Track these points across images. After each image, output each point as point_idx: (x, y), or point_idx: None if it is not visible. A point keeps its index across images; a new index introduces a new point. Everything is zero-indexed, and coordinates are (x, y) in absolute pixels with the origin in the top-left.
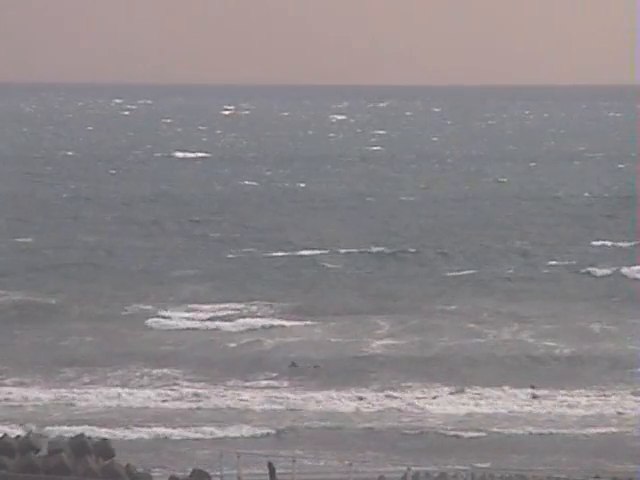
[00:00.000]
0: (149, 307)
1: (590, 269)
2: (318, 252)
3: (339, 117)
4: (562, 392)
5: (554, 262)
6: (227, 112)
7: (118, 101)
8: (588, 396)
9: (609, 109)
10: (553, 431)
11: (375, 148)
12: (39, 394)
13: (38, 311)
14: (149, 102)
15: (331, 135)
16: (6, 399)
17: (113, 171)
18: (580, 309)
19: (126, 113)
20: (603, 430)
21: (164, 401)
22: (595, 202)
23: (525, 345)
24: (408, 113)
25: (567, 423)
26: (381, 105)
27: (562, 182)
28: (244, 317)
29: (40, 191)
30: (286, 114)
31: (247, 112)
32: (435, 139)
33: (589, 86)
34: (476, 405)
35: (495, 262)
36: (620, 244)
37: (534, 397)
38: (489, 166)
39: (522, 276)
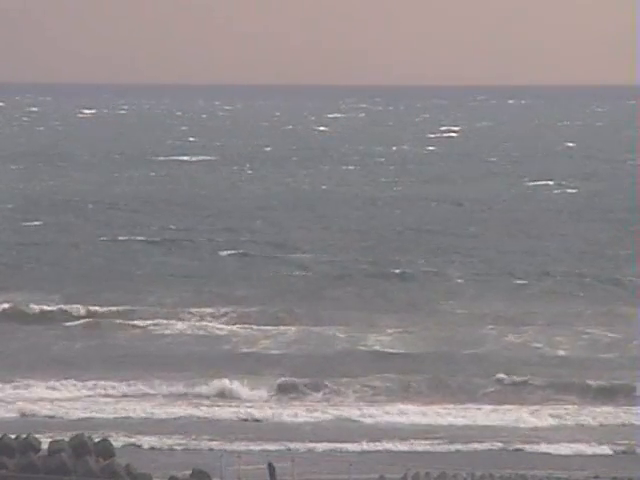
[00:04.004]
0: (128, 309)
1: (594, 273)
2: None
3: (332, 116)
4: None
5: (558, 264)
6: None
7: (86, 110)
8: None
9: (608, 109)
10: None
11: (375, 148)
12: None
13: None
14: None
15: (321, 135)
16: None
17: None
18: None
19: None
20: None
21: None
22: (597, 204)
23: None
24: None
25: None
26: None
27: (562, 183)
28: (229, 320)
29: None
30: (278, 114)
31: (224, 113)
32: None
33: (589, 86)
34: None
35: (499, 263)
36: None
37: None
38: (488, 166)
39: (527, 277)
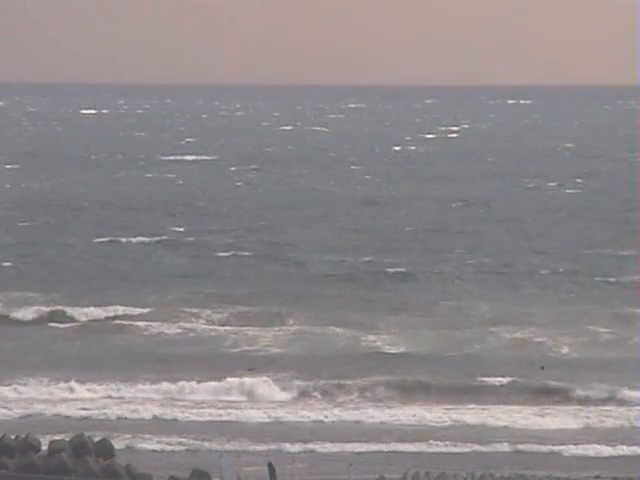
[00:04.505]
0: (127, 310)
1: (596, 275)
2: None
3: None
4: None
5: (557, 264)
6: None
7: (85, 111)
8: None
9: (608, 109)
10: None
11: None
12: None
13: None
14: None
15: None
16: None
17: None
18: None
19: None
20: None
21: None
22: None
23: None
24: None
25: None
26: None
27: (562, 182)
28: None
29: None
30: (277, 114)
31: (240, 113)
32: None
33: (589, 86)
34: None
35: (502, 262)
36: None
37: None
38: (487, 166)
39: (527, 277)
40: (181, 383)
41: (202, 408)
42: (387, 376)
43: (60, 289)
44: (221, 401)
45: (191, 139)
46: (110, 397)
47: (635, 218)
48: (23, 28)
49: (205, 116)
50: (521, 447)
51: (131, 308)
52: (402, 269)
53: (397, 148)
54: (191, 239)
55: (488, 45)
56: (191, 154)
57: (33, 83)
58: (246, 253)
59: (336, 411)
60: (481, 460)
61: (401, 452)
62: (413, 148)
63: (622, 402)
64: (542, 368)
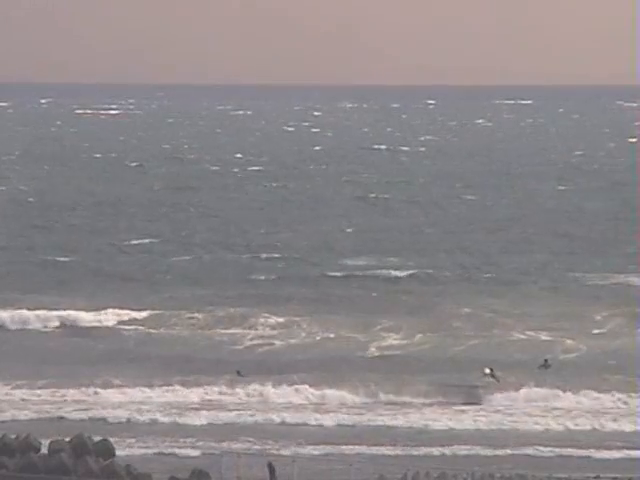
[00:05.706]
0: (127, 312)
1: (596, 277)
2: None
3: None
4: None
5: (557, 264)
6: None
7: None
8: None
9: (608, 108)
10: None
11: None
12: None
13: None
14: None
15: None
16: None
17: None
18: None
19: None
20: None
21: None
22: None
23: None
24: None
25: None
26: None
27: (561, 181)
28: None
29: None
30: (276, 114)
31: (242, 112)
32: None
33: (590, 86)
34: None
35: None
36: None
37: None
38: (487, 166)
39: (526, 277)
40: (180, 384)
41: (202, 409)
42: (386, 377)
43: (54, 290)
44: (220, 402)
45: (190, 139)
46: (109, 398)
47: (635, 218)
48: (26, 27)
49: (204, 114)
50: (521, 448)
51: (127, 310)
52: (401, 269)
53: (397, 148)
54: (188, 240)
55: (487, 45)
56: (190, 154)
57: (35, 83)
58: (246, 254)
59: (336, 412)
60: (481, 460)
61: (401, 453)
62: (413, 148)
63: (623, 402)
64: (545, 363)
